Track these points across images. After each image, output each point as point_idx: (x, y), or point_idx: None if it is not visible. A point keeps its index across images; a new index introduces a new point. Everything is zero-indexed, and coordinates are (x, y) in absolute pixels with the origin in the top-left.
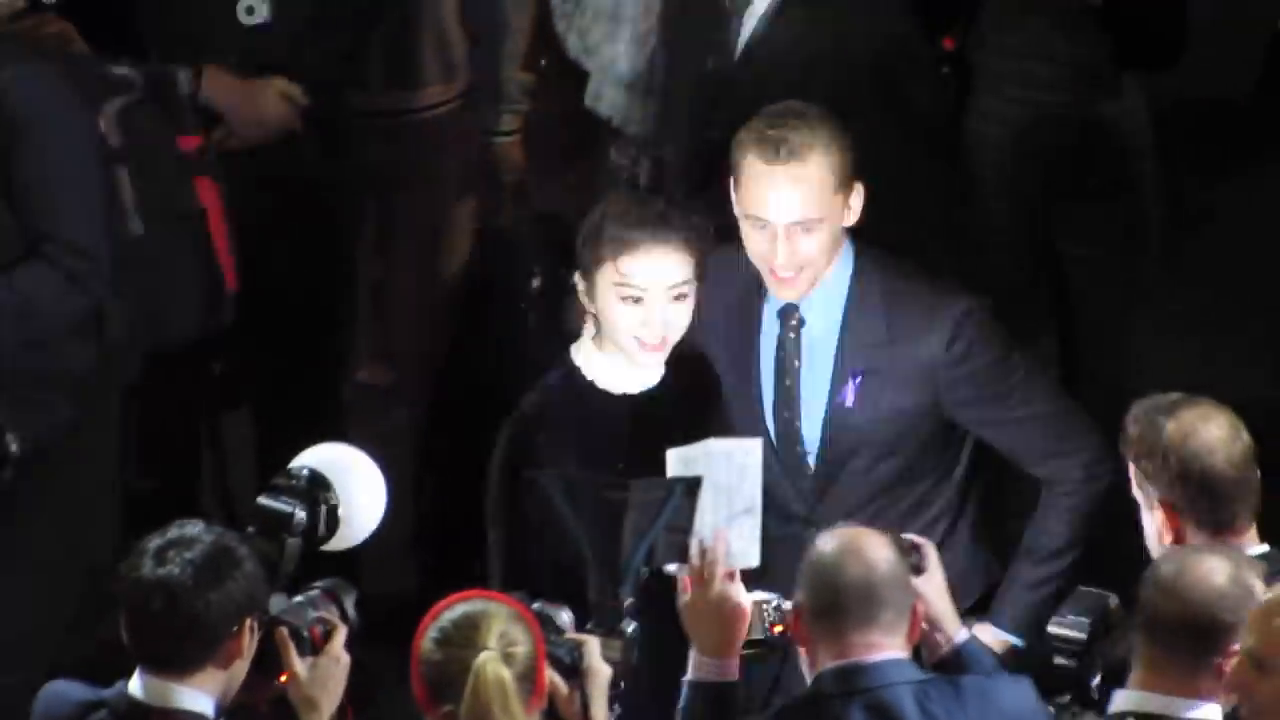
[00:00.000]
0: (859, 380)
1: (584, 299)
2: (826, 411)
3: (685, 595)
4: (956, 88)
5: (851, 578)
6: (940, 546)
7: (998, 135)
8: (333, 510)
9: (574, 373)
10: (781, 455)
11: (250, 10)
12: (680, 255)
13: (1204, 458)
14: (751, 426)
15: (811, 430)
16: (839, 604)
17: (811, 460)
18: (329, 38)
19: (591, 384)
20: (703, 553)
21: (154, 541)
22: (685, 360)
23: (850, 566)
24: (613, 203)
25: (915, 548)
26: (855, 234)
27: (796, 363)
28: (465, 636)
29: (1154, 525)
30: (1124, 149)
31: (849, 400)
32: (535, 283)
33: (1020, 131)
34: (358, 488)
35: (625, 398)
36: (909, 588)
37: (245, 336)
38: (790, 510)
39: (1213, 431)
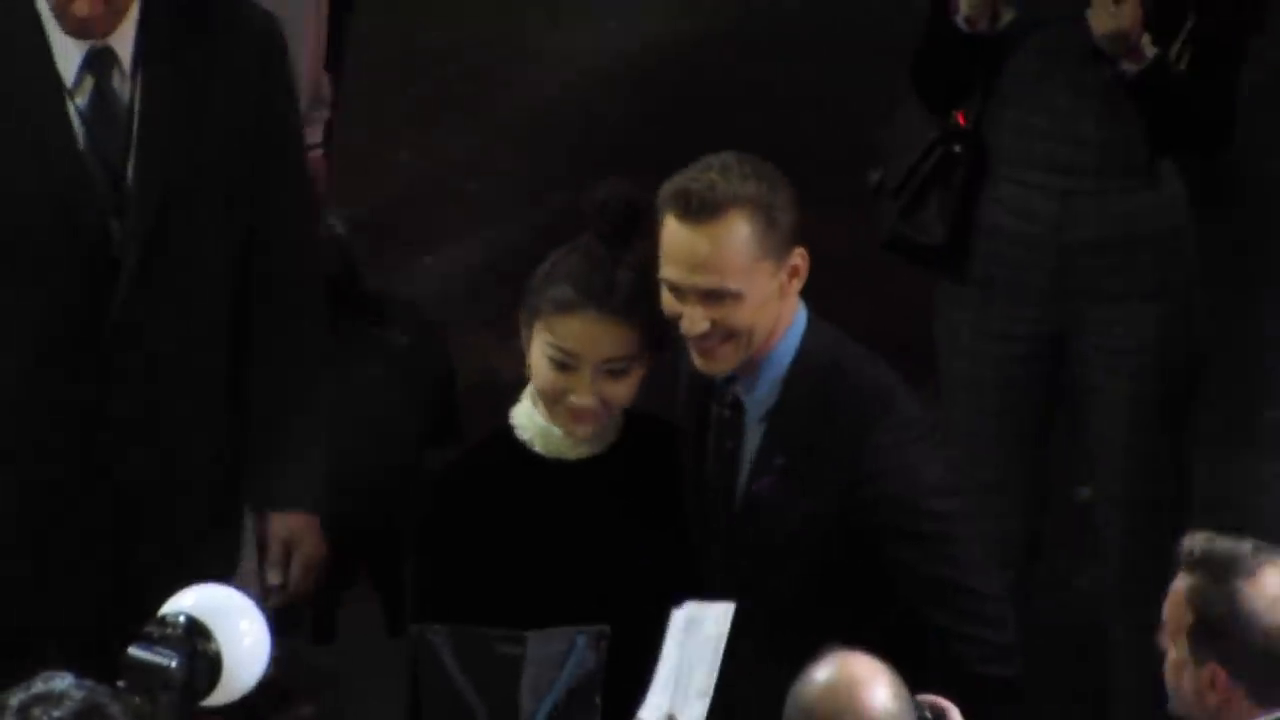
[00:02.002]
0: (780, 472)
1: (524, 348)
2: (741, 500)
3: None
4: (967, 171)
5: None
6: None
7: (1013, 227)
8: (214, 661)
9: (508, 433)
10: (709, 549)
11: None
12: (620, 329)
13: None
14: (693, 510)
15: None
16: None
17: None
18: None
19: (525, 446)
20: None
21: (17, 697)
22: (641, 426)
23: None
24: (563, 254)
25: (939, 713)
26: (810, 302)
27: (729, 444)
28: None
29: (1194, 683)
30: (1160, 246)
31: (765, 490)
32: None
33: (1037, 223)
34: (240, 633)
35: (560, 464)
36: None
37: None
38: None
39: None
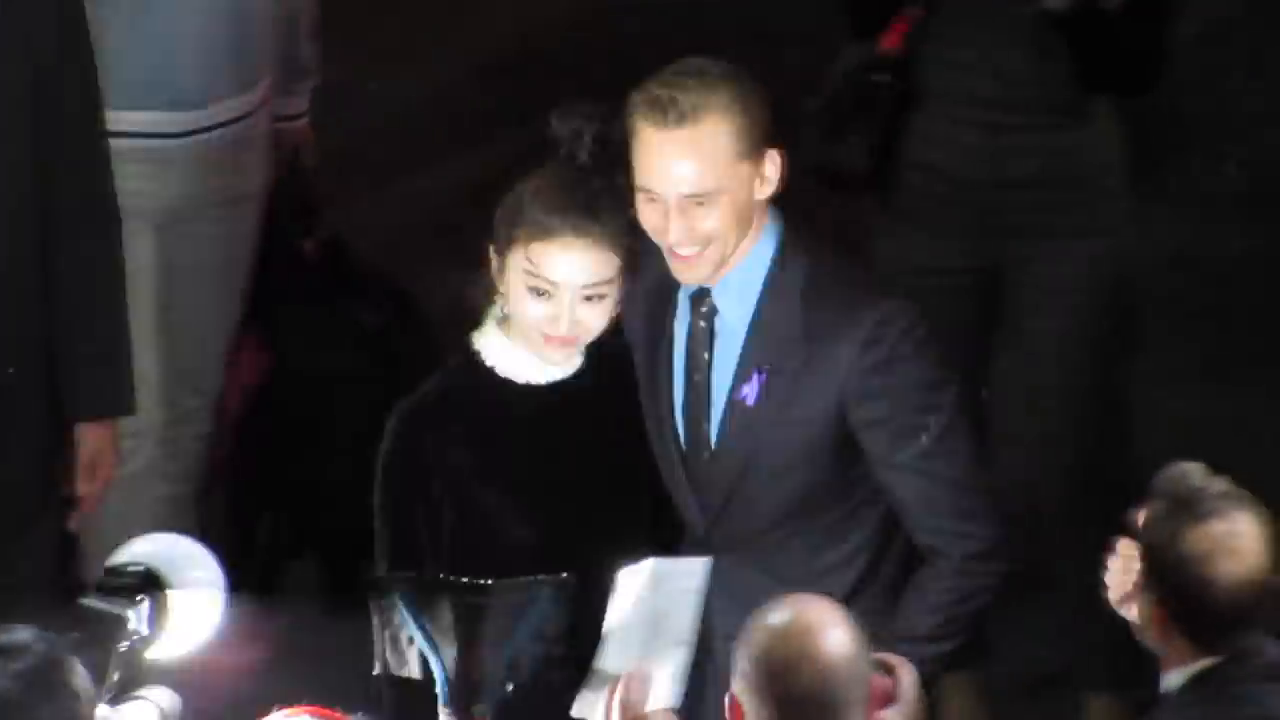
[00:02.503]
0: (764, 378)
1: (495, 277)
2: (725, 410)
3: None
4: (892, 102)
5: (807, 687)
6: (858, 589)
7: (941, 162)
8: (169, 609)
9: (473, 359)
10: (688, 462)
11: None
12: (601, 253)
13: (1214, 589)
14: (660, 427)
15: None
16: (790, 716)
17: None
18: None
19: (491, 371)
20: (621, 694)
21: None
22: (606, 349)
23: (804, 671)
24: (538, 180)
25: (889, 669)
26: (784, 211)
27: (706, 355)
28: None
29: (1143, 611)
30: (1091, 184)
31: (750, 399)
32: None
33: (965, 159)
34: (194, 581)
35: (529, 389)
36: (868, 683)
37: None
38: (693, 531)
39: (1235, 565)
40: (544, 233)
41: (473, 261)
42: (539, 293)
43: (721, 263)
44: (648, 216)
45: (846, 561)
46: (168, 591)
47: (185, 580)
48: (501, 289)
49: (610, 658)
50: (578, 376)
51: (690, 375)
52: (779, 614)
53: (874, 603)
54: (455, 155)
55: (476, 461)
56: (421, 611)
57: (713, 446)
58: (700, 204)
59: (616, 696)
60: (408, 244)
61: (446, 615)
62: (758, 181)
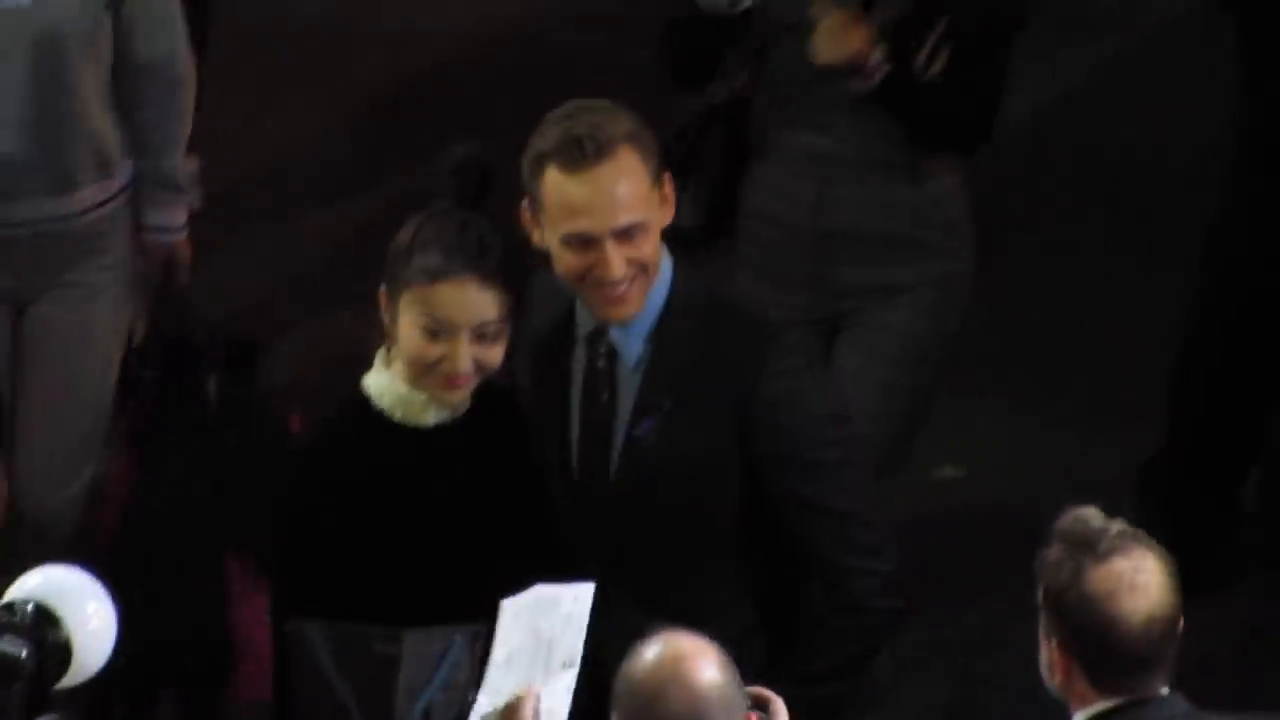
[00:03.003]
0: (663, 414)
1: (385, 316)
2: (622, 448)
3: None
4: (726, 153)
5: (677, 714)
6: (753, 627)
7: (775, 212)
8: (64, 647)
9: (363, 403)
10: (585, 501)
11: None
12: (492, 291)
13: (1118, 627)
14: (556, 467)
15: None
16: None
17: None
18: None
19: (381, 414)
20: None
21: None
22: (490, 390)
23: (674, 697)
24: (427, 221)
25: (762, 704)
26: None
27: (605, 395)
28: None
29: (1046, 656)
30: (923, 239)
31: (649, 435)
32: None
33: (802, 211)
34: (88, 616)
35: (418, 431)
36: (741, 714)
37: None
38: (588, 570)
39: (1138, 602)
40: (436, 272)
41: (362, 303)
42: (432, 333)
43: (646, 294)
44: (572, 262)
45: (739, 599)
46: (62, 629)
47: (79, 615)
48: (392, 331)
49: (500, 684)
50: (466, 418)
51: (588, 415)
52: (651, 645)
53: (766, 642)
54: (335, 199)
55: (369, 504)
56: (338, 660)
57: (610, 485)
58: (631, 236)
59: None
60: (288, 288)
61: (362, 664)
62: (665, 209)
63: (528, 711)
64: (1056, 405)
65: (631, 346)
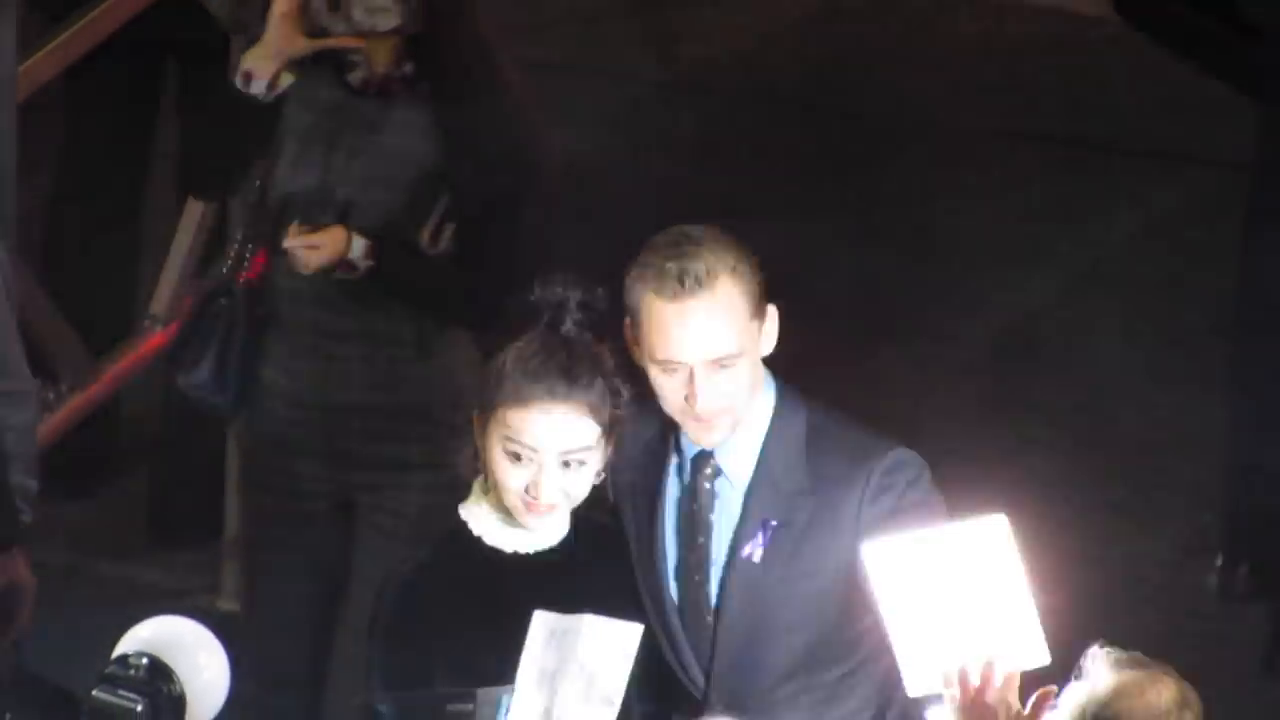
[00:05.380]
0: (770, 534)
1: (478, 445)
2: (725, 570)
3: None
4: (232, 328)
5: None
6: None
7: (284, 385)
8: (178, 700)
9: (461, 529)
10: (687, 626)
11: None
12: (579, 419)
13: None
14: (655, 592)
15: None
16: None
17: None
18: None
19: (479, 540)
20: None
21: None
22: (592, 518)
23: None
24: (519, 347)
25: None
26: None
27: (710, 517)
28: None
29: None
30: (432, 416)
31: (756, 556)
32: None
33: (307, 384)
34: (200, 667)
35: (515, 557)
36: None
37: None
38: (690, 694)
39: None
40: (521, 398)
41: None
42: (517, 458)
43: (738, 423)
44: (668, 390)
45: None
46: (175, 683)
47: (191, 667)
48: (484, 456)
49: (533, 702)
50: (564, 545)
51: (689, 538)
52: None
53: None
54: None
55: (470, 630)
56: None
57: (713, 608)
58: (724, 367)
59: None
60: None
61: None
62: (765, 339)
63: None
64: None
65: (737, 466)
